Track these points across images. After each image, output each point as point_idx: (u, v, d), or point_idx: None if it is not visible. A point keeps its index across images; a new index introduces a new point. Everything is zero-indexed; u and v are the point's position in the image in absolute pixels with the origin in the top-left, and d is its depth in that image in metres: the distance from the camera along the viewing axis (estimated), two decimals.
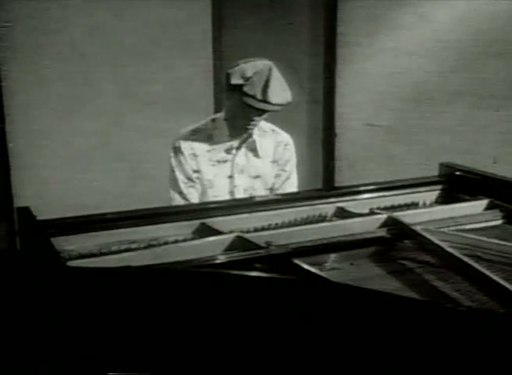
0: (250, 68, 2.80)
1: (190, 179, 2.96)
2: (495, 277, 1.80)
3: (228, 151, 2.97)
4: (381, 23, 4.90)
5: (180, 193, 2.96)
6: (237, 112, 2.87)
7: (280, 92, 2.79)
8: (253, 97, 2.76)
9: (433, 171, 2.82)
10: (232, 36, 4.82)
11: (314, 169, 5.18)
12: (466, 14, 4.72)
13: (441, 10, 4.77)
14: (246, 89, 2.77)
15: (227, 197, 2.98)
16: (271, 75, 2.78)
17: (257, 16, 4.97)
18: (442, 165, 2.82)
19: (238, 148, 2.98)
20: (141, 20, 4.55)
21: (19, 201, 4.21)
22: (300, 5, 5.12)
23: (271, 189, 3.08)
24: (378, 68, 4.97)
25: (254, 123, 2.88)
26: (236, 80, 2.80)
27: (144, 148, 4.63)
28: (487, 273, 1.83)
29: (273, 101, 2.77)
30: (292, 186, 3.12)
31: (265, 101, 2.76)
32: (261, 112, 2.83)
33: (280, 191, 3.06)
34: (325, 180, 5.25)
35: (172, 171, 2.98)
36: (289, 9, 5.08)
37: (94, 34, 4.45)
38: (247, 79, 2.78)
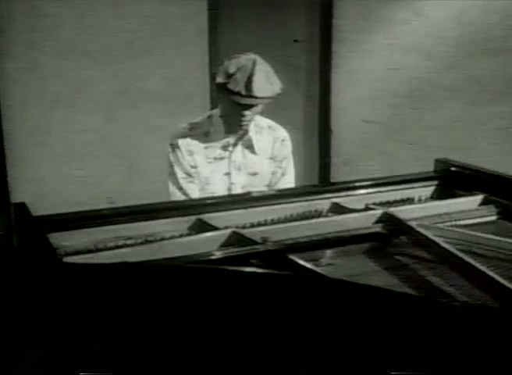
0: (234, 64, 2.78)
1: (188, 174, 2.95)
2: (490, 273, 1.80)
3: (224, 147, 2.97)
4: (376, 20, 4.91)
5: (180, 188, 2.96)
6: (228, 109, 2.87)
7: (265, 85, 2.76)
8: (238, 93, 2.74)
9: (428, 167, 2.83)
10: (229, 32, 4.83)
11: (310, 166, 5.19)
12: (462, 11, 4.74)
13: (437, 7, 4.78)
14: (230, 86, 2.75)
15: (225, 194, 2.97)
16: (254, 69, 2.75)
17: (254, 12, 4.98)
18: (437, 160, 2.82)
19: (234, 145, 2.98)
20: (138, 16, 4.55)
21: (16, 197, 4.21)
22: (296, 1, 5.12)
23: (268, 186, 3.08)
24: (373, 64, 4.98)
25: (246, 119, 2.85)
26: (220, 79, 2.80)
27: (140, 144, 4.64)
28: (482, 268, 1.83)
29: (258, 95, 2.74)
30: (288, 182, 3.11)
31: (250, 95, 2.74)
32: (250, 107, 2.81)
33: (276, 188, 3.06)
34: (320, 176, 5.26)
35: (171, 166, 2.97)
36: (285, 6, 5.08)
37: (90, 31, 4.45)
38: (230, 76, 2.76)
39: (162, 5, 4.59)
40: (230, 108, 2.85)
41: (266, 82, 2.77)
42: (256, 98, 2.75)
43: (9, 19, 4.23)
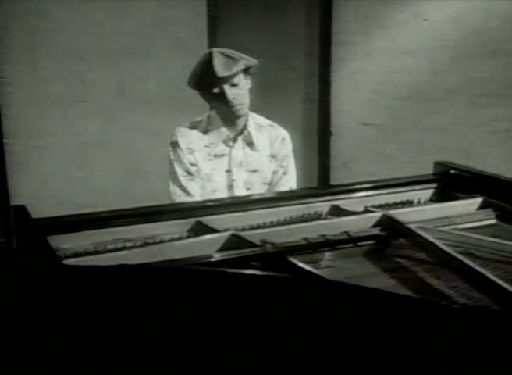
0: (195, 65, 2.92)
1: (189, 172, 2.98)
2: (489, 275, 1.80)
3: (225, 142, 2.99)
4: (376, 22, 4.91)
5: (180, 186, 2.98)
6: (217, 104, 2.95)
7: (227, 63, 2.85)
8: (208, 84, 2.87)
9: (428, 169, 2.83)
10: (228, 35, 4.83)
11: (310, 168, 5.19)
12: (461, 13, 4.74)
13: (436, 9, 4.79)
14: (200, 83, 2.89)
15: (225, 191, 3.00)
16: (212, 57, 2.85)
17: (253, 15, 4.98)
18: (436, 163, 2.82)
19: (235, 140, 3.00)
20: (137, 19, 4.55)
21: (16, 200, 4.20)
22: (296, 4, 5.13)
23: (269, 184, 3.09)
24: (373, 67, 4.98)
25: (235, 102, 2.92)
26: (192, 83, 2.95)
27: (139, 147, 4.64)
28: (481, 270, 1.83)
29: (224, 74, 2.83)
30: (290, 181, 3.13)
31: (217, 77, 2.83)
32: (229, 89, 2.88)
33: (278, 187, 3.08)
34: (320, 178, 5.26)
35: (172, 165, 3.00)
36: (284, 9, 5.08)
37: (90, 33, 4.46)
38: (196, 75, 2.90)
39: (162, 7, 4.59)
40: (217, 102, 2.94)
41: (228, 60, 2.86)
42: (224, 77, 2.84)
43: (9, 22, 4.23)
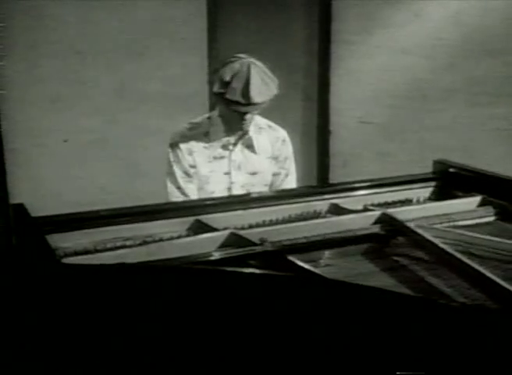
0: (228, 72, 2.78)
1: (187, 174, 2.97)
2: (488, 274, 1.81)
3: (224, 147, 2.98)
4: (375, 21, 4.91)
5: (179, 188, 2.96)
6: (228, 115, 2.89)
7: (262, 89, 2.77)
8: (237, 103, 2.76)
9: (427, 168, 2.83)
10: (228, 34, 4.83)
11: (309, 166, 5.19)
12: (459, 12, 4.74)
13: (435, 8, 4.79)
14: (228, 96, 2.76)
15: (224, 193, 2.98)
16: (250, 74, 2.75)
17: (252, 14, 4.98)
18: (435, 162, 2.83)
19: (235, 145, 2.99)
20: (137, 18, 4.55)
21: (15, 198, 4.20)
22: (295, 3, 5.13)
23: (270, 186, 3.09)
24: (372, 65, 4.98)
25: (246, 121, 2.88)
26: (217, 89, 2.80)
27: (139, 146, 4.64)
28: (480, 269, 1.84)
29: (257, 101, 2.76)
30: (291, 183, 3.13)
31: (249, 103, 2.76)
32: (249, 111, 2.83)
33: (280, 188, 3.07)
34: (319, 176, 5.26)
35: (170, 166, 2.99)
36: (284, 8, 5.08)
37: (89, 32, 4.46)
38: (226, 84, 2.76)
39: (161, 6, 4.59)
40: (230, 115, 2.87)
41: (262, 85, 2.78)
42: (255, 104, 2.77)
43: (9, 20, 4.22)
